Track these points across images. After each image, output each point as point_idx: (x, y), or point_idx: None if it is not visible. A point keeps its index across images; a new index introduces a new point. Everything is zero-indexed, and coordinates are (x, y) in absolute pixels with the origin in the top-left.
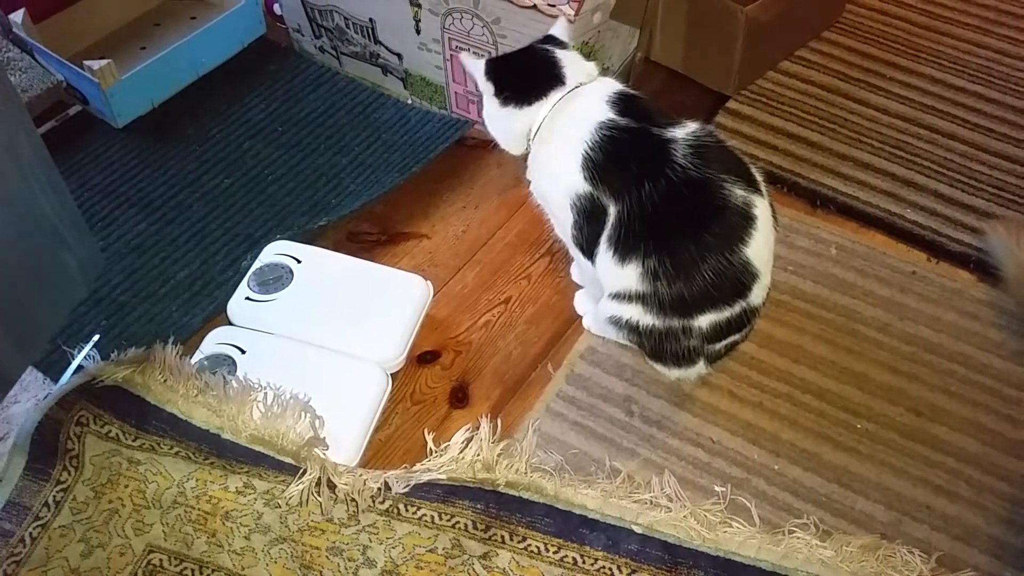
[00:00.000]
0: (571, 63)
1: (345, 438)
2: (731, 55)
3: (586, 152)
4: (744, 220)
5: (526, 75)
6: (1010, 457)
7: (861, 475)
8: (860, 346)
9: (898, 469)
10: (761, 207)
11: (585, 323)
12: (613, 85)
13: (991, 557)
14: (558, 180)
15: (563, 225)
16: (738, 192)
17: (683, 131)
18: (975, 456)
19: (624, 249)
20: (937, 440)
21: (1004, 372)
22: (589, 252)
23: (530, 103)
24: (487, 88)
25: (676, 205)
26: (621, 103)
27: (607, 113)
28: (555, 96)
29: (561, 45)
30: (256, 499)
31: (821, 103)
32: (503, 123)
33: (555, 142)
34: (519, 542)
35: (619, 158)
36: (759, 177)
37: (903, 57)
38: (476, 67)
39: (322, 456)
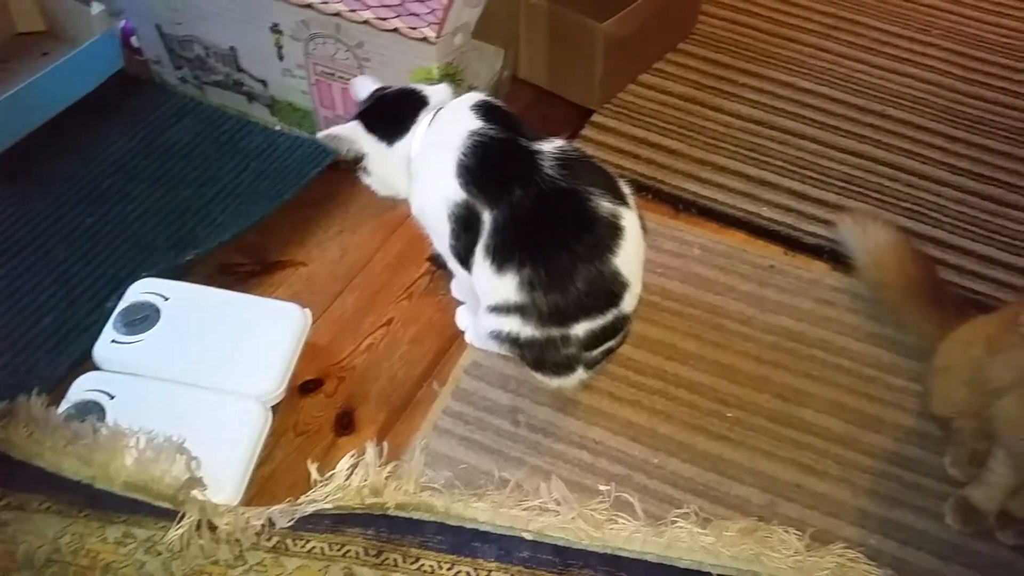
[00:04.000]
0: (428, 88)
1: (224, 477)
2: (592, 70)
3: (460, 159)
4: (612, 231)
5: (393, 110)
6: (870, 432)
7: (735, 461)
8: (726, 339)
9: (769, 453)
10: (629, 219)
11: (468, 338)
12: (476, 96)
13: (859, 528)
14: (436, 191)
15: (442, 238)
16: (605, 204)
17: (549, 145)
18: (839, 434)
19: (501, 258)
20: (803, 422)
21: (861, 353)
22: (467, 263)
23: (407, 129)
24: (369, 140)
25: (547, 215)
26: (487, 112)
27: (475, 121)
28: (425, 117)
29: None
30: (137, 548)
31: (679, 112)
32: (392, 163)
33: (430, 156)
34: (412, 563)
35: (491, 164)
36: (627, 190)
37: (753, 64)
38: (350, 131)
39: (201, 497)
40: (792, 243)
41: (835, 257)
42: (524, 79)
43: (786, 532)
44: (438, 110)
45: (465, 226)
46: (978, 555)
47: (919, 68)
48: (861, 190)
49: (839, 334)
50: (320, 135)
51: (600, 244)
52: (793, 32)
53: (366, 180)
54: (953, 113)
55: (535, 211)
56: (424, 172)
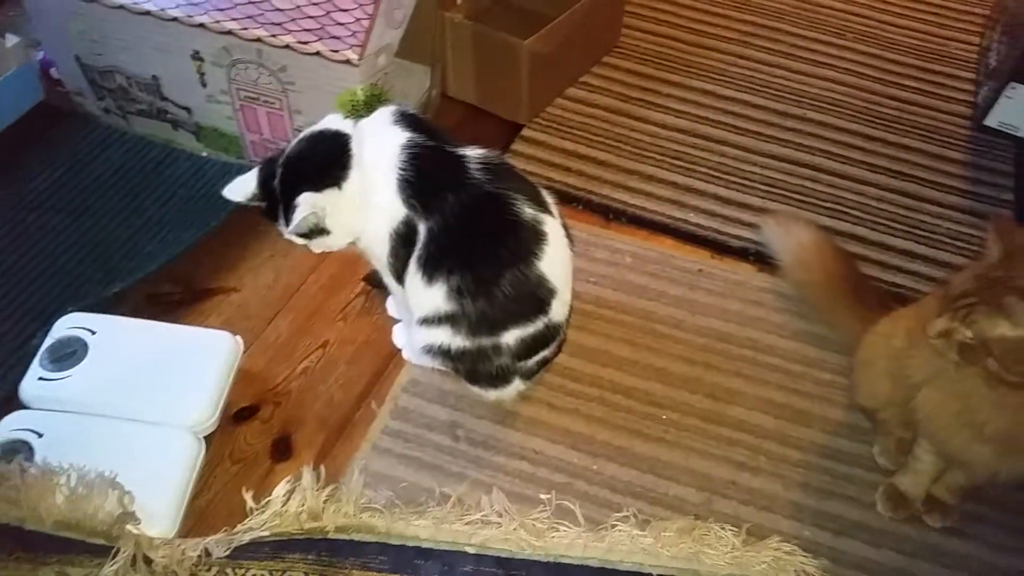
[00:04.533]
0: (331, 119)
1: (159, 510)
2: (519, 86)
3: (399, 175)
4: (535, 236)
5: (319, 157)
6: (800, 427)
7: (671, 462)
8: (659, 343)
9: (703, 452)
10: (551, 225)
11: (405, 355)
12: (390, 109)
13: (793, 520)
14: (383, 213)
15: (382, 259)
16: (528, 210)
17: (473, 151)
18: (770, 430)
19: (431, 267)
20: (735, 420)
21: (788, 351)
22: (403, 278)
23: (347, 165)
24: (324, 195)
25: (475, 220)
26: (409, 122)
27: (403, 134)
28: (354, 151)
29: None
30: None
31: (607, 124)
32: (349, 204)
33: (372, 180)
34: None
35: (427, 174)
36: (549, 198)
37: (676, 74)
38: (309, 202)
39: (135, 531)
40: (719, 247)
41: (761, 258)
42: (453, 97)
43: (723, 529)
44: (360, 134)
45: (404, 242)
46: (908, 540)
47: (836, 71)
48: (784, 192)
49: (767, 333)
50: (291, 231)
51: (524, 248)
52: (714, 41)
53: (320, 247)
54: (870, 114)
55: (464, 217)
56: (370, 198)
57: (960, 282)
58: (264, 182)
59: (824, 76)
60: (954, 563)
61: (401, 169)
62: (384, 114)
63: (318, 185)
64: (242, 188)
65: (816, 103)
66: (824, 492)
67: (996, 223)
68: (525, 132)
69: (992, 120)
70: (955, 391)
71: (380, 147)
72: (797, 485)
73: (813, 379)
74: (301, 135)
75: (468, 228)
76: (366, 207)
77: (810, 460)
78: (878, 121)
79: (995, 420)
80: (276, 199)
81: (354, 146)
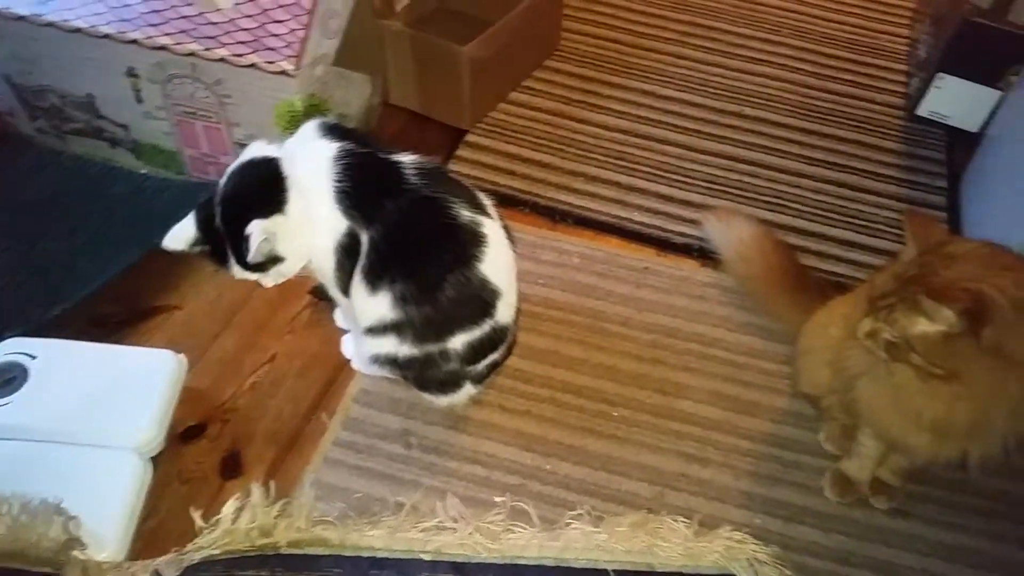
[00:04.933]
0: (255, 147)
1: (106, 534)
2: (461, 92)
3: (335, 187)
4: (474, 238)
5: (255, 184)
6: (747, 417)
7: (623, 458)
8: (608, 342)
9: (654, 446)
10: (490, 227)
11: (355, 365)
12: (314, 122)
13: (744, 509)
14: (325, 230)
15: (328, 273)
16: (465, 213)
17: (407, 157)
18: (718, 422)
19: (373, 277)
20: (684, 414)
21: (734, 343)
22: (348, 290)
23: (283, 188)
24: (271, 221)
25: (413, 226)
26: (336, 132)
27: (331, 145)
28: (286, 172)
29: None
30: None
31: (550, 127)
32: (297, 226)
33: (310, 198)
34: None
35: (362, 182)
36: (486, 201)
37: (616, 75)
38: (259, 229)
39: (82, 557)
40: (663, 244)
41: (704, 254)
42: (396, 104)
43: (675, 521)
44: (289, 155)
45: (349, 254)
46: (856, 523)
47: (772, 67)
48: (724, 188)
49: (712, 326)
50: (252, 259)
51: (464, 252)
52: (652, 42)
53: (275, 277)
54: (806, 108)
55: (403, 224)
56: (312, 215)
57: (881, 282)
58: (204, 225)
59: (760, 72)
60: (901, 543)
61: (336, 181)
62: (309, 129)
63: (263, 213)
64: (182, 235)
65: (753, 99)
66: (773, 480)
67: (910, 221)
68: (469, 138)
69: (923, 110)
70: (890, 383)
71: (311, 163)
72: (746, 474)
73: (758, 370)
74: (229, 171)
75: (408, 235)
76: (311, 225)
77: (758, 449)
78: (814, 114)
79: (930, 409)
80: (221, 239)
81: (286, 168)
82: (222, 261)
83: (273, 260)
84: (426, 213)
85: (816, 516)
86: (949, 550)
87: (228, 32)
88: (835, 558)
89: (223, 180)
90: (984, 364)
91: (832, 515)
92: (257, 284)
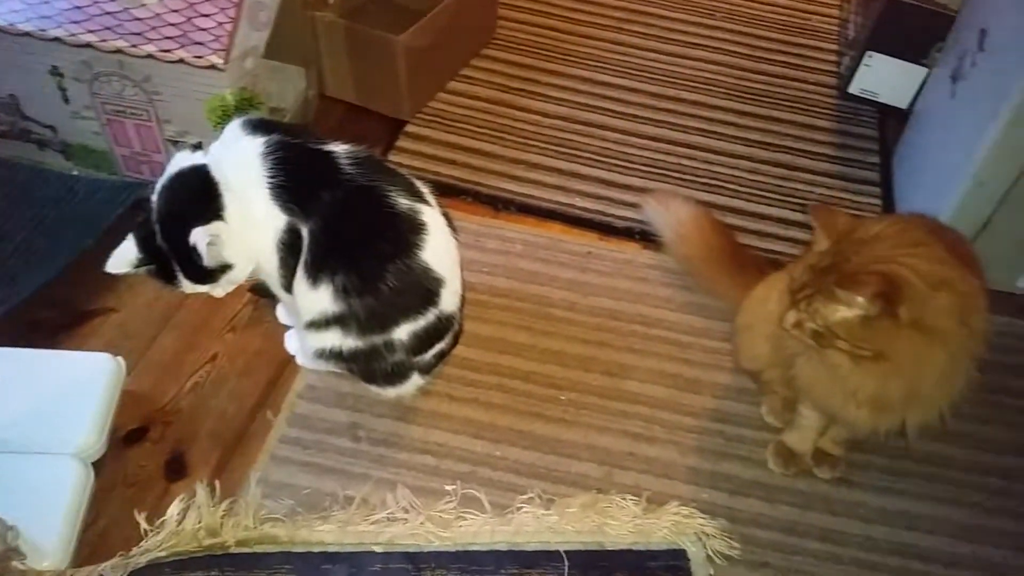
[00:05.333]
0: (180, 158)
1: (49, 542)
2: (398, 82)
3: (268, 183)
4: (413, 226)
5: (191, 198)
6: (691, 394)
7: (571, 440)
8: (554, 327)
9: (601, 427)
10: (429, 214)
11: (299, 361)
12: (236, 121)
13: (691, 485)
14: (265, 229)
15: (272, 272)
16: (403, 201)
17: (340, 147)
18: (663, 400)
19: (314, 270)
20: (630, 394)
21: (676, 323)
22: (291, 287)
23: (218, 193)
24: (213, 227)
25: (352, 217)
26: (262, 127)
27: (258, 140)
28: (217, 178)
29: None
30: None
31: (489, 115)
32: (242, 231)
33: (245, 199)
34: None
35: (296, 174)
36: (425, 189)
37: (554, 62)
38: (202, 232)
39: (22, 567)
40: (605, 228)
41: (645, 237)
42: (333, 96)
43: (624, 500)
44: (216, 159)
45: (292, 251)
46: (801, 493)
47: (707, 51)
48: (663, 171)
49: (655, 307)
50: (207, 263)
51: (404, 240)
52: (588, 29)
53: (225, 286)
54: (741, 90)
55: (342, 214)
56: (251, 217)
57: (798, 274)
58: (145, 244)
59: (696, 56)
60: (845, 511)
61: (270, 177)
62: (233, 128)
63: (202, 222)
64: (124, 258)
65: (689, 83)
66: (718, 454)
67: (816, 213)
68: (409, 128)
69: (855, 88)
70: (825, 364)
71: (240, 163)
72: (692, 450)
73: (701, 348)
74: (159, 186)
75: (346, 225)
76: (251, 227)
77: (703, 425)
78: (748, 96)
79: (864, 388)
80: (166, 256)
81: (215, 173)
82: (169, 279)
83: (222, 269)
84: (364, 203)
85: (761, 488)
86: (891, 515)
87: (154, 27)
88: (781, 528)
89: (155, 197)
90: (907, 340)
91: (777, 486)
92: (208, 295)
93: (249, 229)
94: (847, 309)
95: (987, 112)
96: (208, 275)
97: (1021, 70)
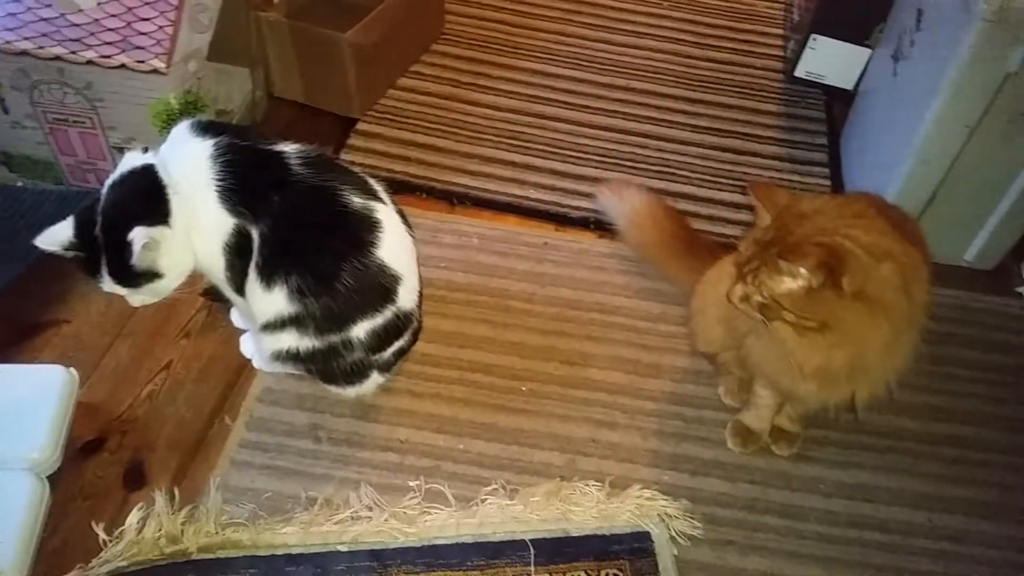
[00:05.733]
0: (129, 158)
1: (4, 559)
2: (346, 80)
3: (217, 186)
4: (367, 224)
5: (138, 197)
6: (650, 379)
7: (534, 430)
8: (513, 319)
9: (563, 416)
10: (384, 212)
11: (256, 364)
12: (184, 123)
13: (652, 468)
14: (211, 232)
15: (219, 274)
16: (356, 199)
17: (290, 147)
18: (623, 386)
19: (267, 272)
20: (591, 381)
21: (633, 309)
22: (243, 289)
23: (165, 198)
24: (155, 231)
25: (304, 217)
26: (209, 129)
27: (206, 143)
28: (165, 180)
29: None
30: None
31: (441, 110)
32: (182, 238)
33: (193, 204)
34: None
35: (245, 176)
36: (378, 186)
37: (504, 56)
38: (141, 233)
39: None
40: (561, 219)
41: (600, 226)
42: (281, 97)
43: (587, 486)
44: (163, 160)
45: (239, 253)
46: (759, 470)
47: (655, 40)
48: (616, 161)
49: (612, 295)
50: (135, 263)
51: (358, 238)
52: (537, 22)
53: (146, 295)
54: (689, 77)
55: (294, 215)
56: (197, 221)
57: (744, 248)
58: (82, 230)
59: (644, 46)
60: (804, 486)
61: (218, 180)
62: (180, 131)
63: (146, 223)
64: (56, 237)
65: (639, 73)
66: (678, 436)
67: (755, 190)
68: (360, 126)
69: (801, 71)
70: (773, 339)
71: (188, 165)
72: (653, 433)
73: (658, 332)
74: (107, 183)
75: (299, 226)
76: (197, 231)
77: (663, 408)
78: (697, 83)
79: (810, 360)
80: (97, 248)
81: (163, 175)
82: (93, 272)
83: (150, 277)
84: (316, 203)
85: (722, 467)
86: (849, 488)
87: (93, 33)
88: (742, 506)
89: (104, 190)
90: (851, 310)
91: (737, 465)
92: (125, 301)
93: (194, 232)
94: (791, 280)
95: (927, 90)
96: (133, 278)
97: (955, 46)
